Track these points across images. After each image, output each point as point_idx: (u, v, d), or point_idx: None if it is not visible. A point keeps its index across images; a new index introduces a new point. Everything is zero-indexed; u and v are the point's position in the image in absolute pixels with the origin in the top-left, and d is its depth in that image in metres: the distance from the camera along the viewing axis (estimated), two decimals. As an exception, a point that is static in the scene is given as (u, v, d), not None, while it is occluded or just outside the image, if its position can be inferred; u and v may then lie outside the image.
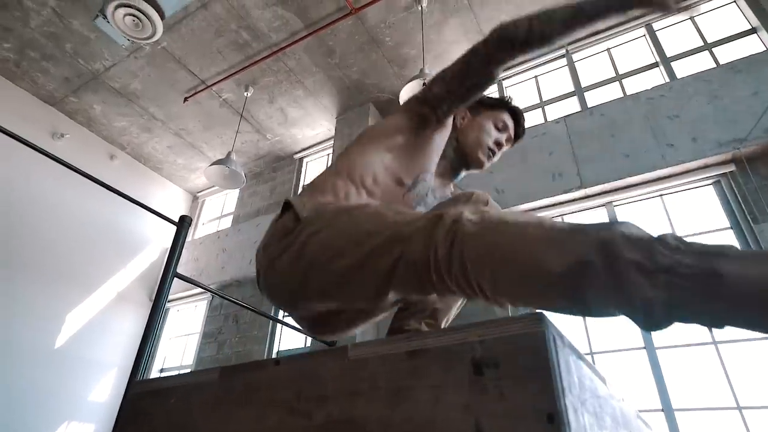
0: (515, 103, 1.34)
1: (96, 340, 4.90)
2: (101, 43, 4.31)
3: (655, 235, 0.59)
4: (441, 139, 1.13)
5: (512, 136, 1.33)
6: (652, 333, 0.58)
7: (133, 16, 3.56)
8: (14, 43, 4.33)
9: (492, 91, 4.69)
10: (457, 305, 1.24)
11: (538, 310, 0.54)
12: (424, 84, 3.43)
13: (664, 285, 0.52)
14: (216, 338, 4.91)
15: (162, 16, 3.64)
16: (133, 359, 1.87)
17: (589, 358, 2.96)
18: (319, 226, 0.82)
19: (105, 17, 3.63)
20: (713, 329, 0.55)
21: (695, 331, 2.74)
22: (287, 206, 0.92)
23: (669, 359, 2.72)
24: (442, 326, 1.17)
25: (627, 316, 0.58)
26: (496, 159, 1.32)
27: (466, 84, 1.03)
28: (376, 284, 0.74)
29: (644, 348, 2.80)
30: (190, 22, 4.09)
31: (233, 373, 0.68)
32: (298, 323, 1.00)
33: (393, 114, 1.13)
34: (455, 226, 0.66)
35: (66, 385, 4.52)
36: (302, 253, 0.81)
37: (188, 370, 4.96)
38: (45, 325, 4.50)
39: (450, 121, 1.14)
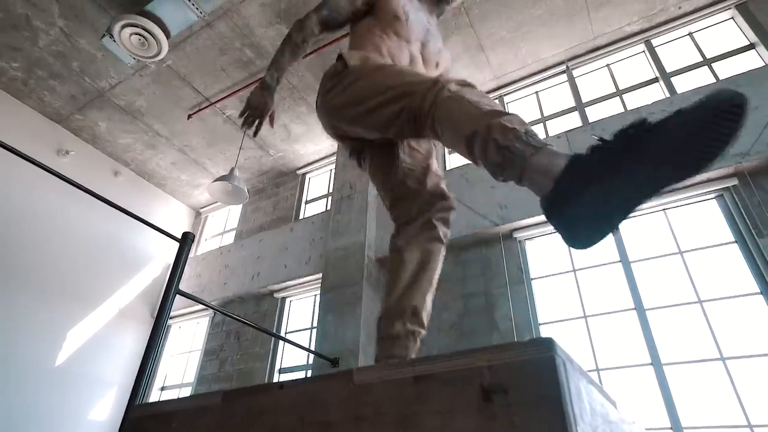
0: None
1: (97, 357, 4.86)
2: (107, 62, 4.38)
3: (519, 127, 0.82)
4: None
5: None
6: (546, 215, 0.80)
7: (140, 35, 3.62)
8: (23, 62, 4.40)
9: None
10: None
11: (547, 336, 0.53)
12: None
13: (502, 155, 0.81)
14: (218, 355, 4.86)
15: (167, 35, 3.71)
16: (134, 377, 1.85)
17: (595, 374, 2.92)
18: (359, 75, 1.12)
19: (112, 36, 3.70)
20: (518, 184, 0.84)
21: (702, 347, 2.70)
22: (340, 56, 1.20)
23: (676, 376, 2.67)
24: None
25: (491, 172, 0.87)
26: None
27: None
28: (388, 119, 1.03)
29: (651, 364, 2.76)
30: (195, 40, 4.15)
31: (236, 396, 0.67)
32: (331, 136, 1.33)
33: None
34: (439, 92, 0.92)
35: (66, 402, 4.47)
36: (345, 91, 1.13)
37: (189, 389, 4.90)
38: (46, 341, 4.48)
39: None
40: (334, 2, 1.41)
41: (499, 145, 0.80)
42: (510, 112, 0.86)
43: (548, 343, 0.44)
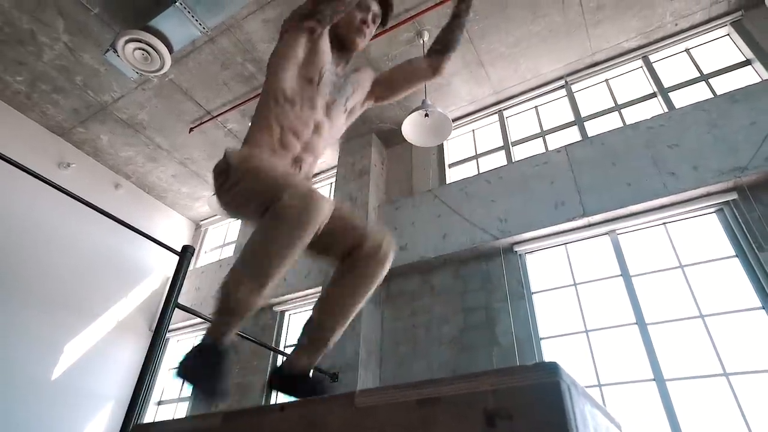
0: None
1: (94, 371, 4.81)
2: (111, 76, 4.42)
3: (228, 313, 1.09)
4: (326, 36, 1.46)
5: (378, 12, 1.57)
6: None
7: (143, 50, 3.66)
8: (26, 76, 4.44)
9: (493, 122, 4.76)
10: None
11: (551, 361, 0.53)
12: (426, 116, 3.48)
13: (218, 297, 1.12)
14: (216, 369, 4.81)
15: (171, 50, 3.75)
16: (132, 391, 1.83)
17: (597, 390, 2.89)
18: (238, 176, 1.23)
19: (115, 51, 3.74)
20: None
21: (705, 362, 2.68)
22: (225, 154, 1.30)
23: (679, 391, 2.65)
24: None
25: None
26: (369, 35, 1.57)
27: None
28: (256, 212, 1.19)
29: (653, 380, 2.73)
30: (197, 55, 4.20)
31: (236, 418, 0.66)
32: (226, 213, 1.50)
33: (283, 37, 1.45)
34: (276, 203, 1.10)
35: (62, 416, 4.41)
36: (230, 189, 1.26)
37: (186, 403, 4.84)
38: (43, 354, 4.44)
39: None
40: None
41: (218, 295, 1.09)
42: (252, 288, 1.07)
43: (553, 368, 0.44)
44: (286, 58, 1.41)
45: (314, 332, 1.30)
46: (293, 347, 1.33)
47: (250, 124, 1.46)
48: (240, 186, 1.23)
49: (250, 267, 1.10)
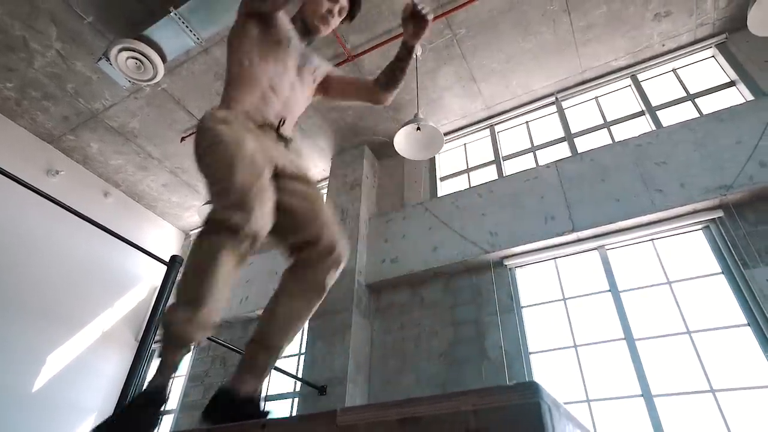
0: None
1: (77, 382, 4.71)
2: (102, 84, 4.40)
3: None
4: (284, 15, 1.52)
5: (345, 6, 1.61)
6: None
7: (136, 59, 3.66)
8: (17, 82, 4.41)
9: (485, 136, 4.81)
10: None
11: (532, 381, 0.53)
12: (418, 129, 3.51)
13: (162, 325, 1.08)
14: (203, 381, 4.74)
15: (164, 59, 3.75)
16: (115, 403, 1.80)
17: (585, 405, 2.88)
18: (203, 151, 1.26)
19: (108, 60, 3.73)
20: None
21: (692, 379, 2.69)
22: (205, 116, 1.31)
23: (667, 407, 2.65)
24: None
25: None
26: (333, 25, 1.61)
27: None
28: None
29: (641, 396, 2.74)
30: (191, 65, 4.21)
31: (217, 434, 0.65)
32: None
33: (237, 20, 1.49)
34: (213, 208, 1.14)
35: (42, 429, 4.29)
36: (200, 160, 1.28)
37: (172, 416, 4.75)
38: (24, 365, 4.33)
39: None
40: None
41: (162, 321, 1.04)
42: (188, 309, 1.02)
43: (534, 388, 0.44)
44: (245, 35, 1.45)
45: (261, 351, 1.21)
46: (235, 370, 1.21)
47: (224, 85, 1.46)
48: (202, 163, 1.25)
49: (182, 292, 1.05)
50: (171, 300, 1.07)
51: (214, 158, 1.21)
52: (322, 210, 1.35)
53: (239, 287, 5.01)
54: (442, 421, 0.47)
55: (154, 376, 1.02)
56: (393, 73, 1.58)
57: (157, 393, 0.99)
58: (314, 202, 1.35)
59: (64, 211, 1.91)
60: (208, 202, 1.16)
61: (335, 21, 1.61)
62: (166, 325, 1.02)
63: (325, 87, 1.69)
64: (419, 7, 1.36)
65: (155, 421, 0.95)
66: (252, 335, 1.25)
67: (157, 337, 4.40)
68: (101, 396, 4.85)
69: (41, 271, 4.68)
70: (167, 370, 1.02)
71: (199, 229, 1.11)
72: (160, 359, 1.03)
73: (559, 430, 0.44)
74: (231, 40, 1.49)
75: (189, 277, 1.05)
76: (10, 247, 4.47)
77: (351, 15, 1.66)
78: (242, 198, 1.10)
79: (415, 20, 1.38)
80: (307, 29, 1.61)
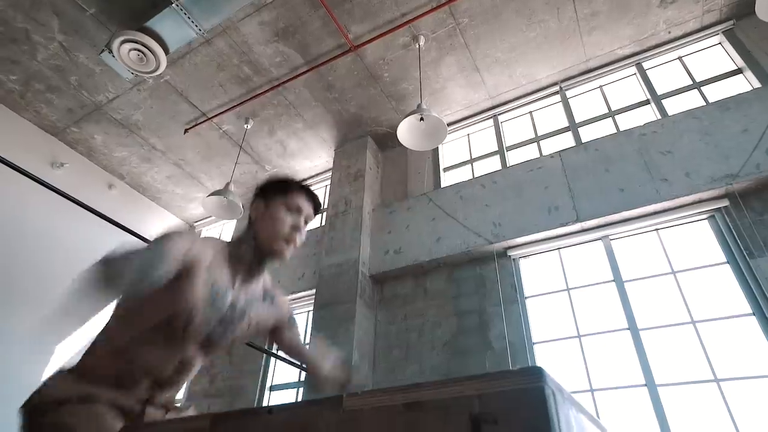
0: (303, 182, 1.32)
1: (84, 373, 4.76)
2: (106, 76, 4.40)
3: None
4: (200, 273, 1.10)
5: (310, 214, 1.30)
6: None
7: (139, 51, 3.65)
8: (20, 75, 4.42)
9: (488, 126, 4.78)
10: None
11: (536, 366, 0.53)
12: (421, 120, 3.49)
13: None
14: (208, 371, 4.78)
15: (166, 51, 3.74)
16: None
17: (589, 395, 2.90)
18: None
19: (111, 52, 3.72)
20: None
21: (696, 368, 2.69)
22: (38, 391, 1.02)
23: (671, 397, 2.66)
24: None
25: None
26: (299, 243, 1.25)
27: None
28: None
29: (645, 385, 2.75)
30: (194, 57, 4.19)
31: (225, 420, 0.66)
32: None
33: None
34: None
35: (51, 420, 4.36)
36: None
37: (178, 405, 4.80)
38: (32, 356, 4.39)
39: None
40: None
41: None
42: None
43: (538, 372, 0.45)
44: (113, 331, 1.12)
45: None
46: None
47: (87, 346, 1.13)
48: None
49: None
50: None
51: None
52: None
53: (244, 279, 5.03)
54: (447, 405, 0.47)
55: None
56: (298, 358, 1.44)
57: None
58: None
59: (69, 203, 1.92)
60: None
61: (302, 236, 1.26)
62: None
63: (274, 334, 1.42)
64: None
65: None
66: None
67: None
68: (109, 386, 4.90)
69: (47, 264, 4.72)
70: None
71: None
72: None
73: (563, 414, 0.44)
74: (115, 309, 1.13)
75: None
76: (15, 239, 4.51)
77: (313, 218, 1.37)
78: None
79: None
80: (263, 256, 1.22)
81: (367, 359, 3.64)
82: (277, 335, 1.40)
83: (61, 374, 1.04)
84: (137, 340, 1.05)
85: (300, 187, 1.28)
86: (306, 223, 1.28)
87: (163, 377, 1.10)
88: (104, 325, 1.12)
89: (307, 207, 1.27)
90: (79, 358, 1.08)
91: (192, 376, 1.23)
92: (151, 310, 1.05)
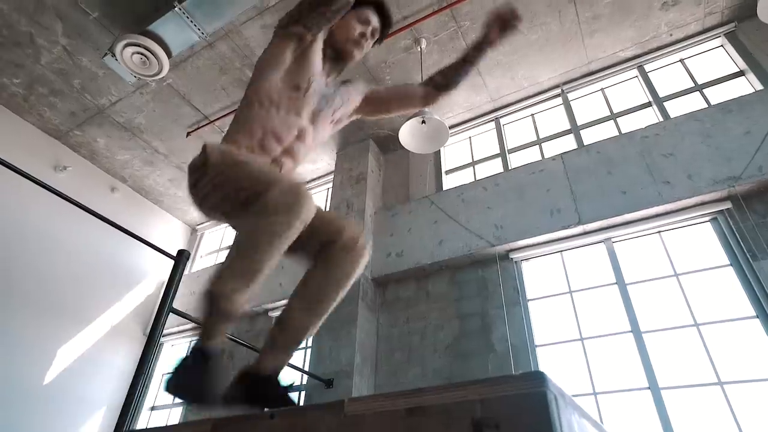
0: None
1: (87, 376, 4.78)
2: (108, 80, 4.42)
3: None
4: (319, 45, 1.45)
5: (377, 27, 1.56)
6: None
7: (141, 54, 3.67)
8: (24, 78, 4.44)
9: (490, 129, 4.78)
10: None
11: (538, 370, 0.53)
12: (423, 122, 3.49)
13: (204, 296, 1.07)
14: (210, 375, 4.78)
15: (169, 54, 3.76)
16: (125, 396, 1.82)
17: (592, 398, 2.89)
18: (219, 171, 1.21)
19: (114, 55, 3.74)
20: None
21: (700, 371, 2.68)
22: (204, 148, 1.26)
23: (674, 400, 2.65)
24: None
25: None
26: (367, 48, 1.56)
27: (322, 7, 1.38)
28: (236, 208, 1.21)
29: (648, 388, 2.73)
30: (196, 60, 4.21)
31: (226, 425, 0.66)
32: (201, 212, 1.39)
33: (273, 41, 1.46)
34: (264, 196, 1.09)
35: (54, 422, 4.36)
36: (208, 184, 1.23)
37: (179, 409, 4.81)
38: (35, 359, 4.40)
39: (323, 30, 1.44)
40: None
41: (206, 291, 1.04)
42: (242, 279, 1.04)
43: (540, 377, 0.44)
44: (274, 62, 1.42)
45: (286, 332, 1.25)
46: (260, 352, 1.26)
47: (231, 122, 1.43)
48: (221, 179, 1.21)
49: (236, 264, 1.07)
50: (215, 273, 1.07)
51: (243, 169, 1.20)
52: (326, 213, 1.36)
53: (246, 281, 5.03)
54: (449, 410, 0.47)
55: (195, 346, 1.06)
56: (458, 74, 1.55)
57: (202, 353, 1.02)
58: (320, 212, 1.35)
59: (72, 206, 1.93)
60: (243, 204, 1.18)
61: (368, 44, 1.55)
62: (213, 296, 1.03)
63: (364, 110, 1.66)
64: (514, 14, 1.42)
65: (211, 380, 0.95)
66: (279, 317, 1.29)
67: (165, 331, 4.44)
68: (110, 389, 4.91)
69: (49, 266, 4.73)
70: (209, 340, 1.05)
71: (259, 205, 1.10)
72: (200, 331, 1.07)
73: (565, 418, 0.44)
74: (260, 65, 1.44)
75: (246, 252, 1.08)
76: (18, 243, 4.52)
77: (382, 35, 1.61)
78: (293, 187, 1.11)
79: (503, 26, 1.43)
80: (338, 56, 1.54)
81: (369, 362, 3.64)
82: (373, 99, 1.65)
83: (217, 144, 1.30)
84: (266, 110, 1.36)
85: (370, 3, 1.54)
86: (372, 35, 1.55)
87: (287, 142, 1.39)
88: (241, 104, 1.43)
89: (374, 20, 1.54)
90: (223, 140, 1.38)
91: (306, 152, 1.48)
92: (294, 72, 1.40)
